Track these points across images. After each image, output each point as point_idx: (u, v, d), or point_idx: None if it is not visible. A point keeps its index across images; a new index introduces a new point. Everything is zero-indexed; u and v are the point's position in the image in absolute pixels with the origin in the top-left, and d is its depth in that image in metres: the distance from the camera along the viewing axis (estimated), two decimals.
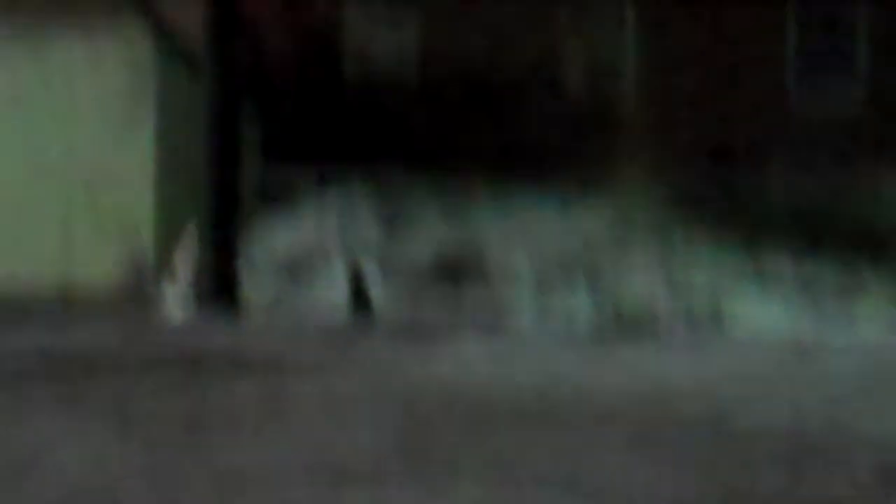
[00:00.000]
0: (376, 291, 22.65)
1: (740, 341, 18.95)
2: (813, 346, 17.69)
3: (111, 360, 13.39)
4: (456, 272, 23.80)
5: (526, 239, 24.55)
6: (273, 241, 23.91)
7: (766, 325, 21.84)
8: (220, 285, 21.27)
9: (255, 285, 22.29)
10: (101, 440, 8.45)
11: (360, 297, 22.71)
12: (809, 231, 25.29)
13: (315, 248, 24.14)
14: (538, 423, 9.28)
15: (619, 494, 7.07)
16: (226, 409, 9.69)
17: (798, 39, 26.70)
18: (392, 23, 27.56)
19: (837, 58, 26.62)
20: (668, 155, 26.51)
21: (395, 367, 13.01)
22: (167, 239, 23.40)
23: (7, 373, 12.32)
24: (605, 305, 22.89)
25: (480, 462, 7.80)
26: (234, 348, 14.94)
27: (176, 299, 22.51)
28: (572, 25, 27.39)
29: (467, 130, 26.57)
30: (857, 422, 9.44)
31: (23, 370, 12.20)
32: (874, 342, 19.33)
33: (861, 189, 25.95)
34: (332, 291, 23.03)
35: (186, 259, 23.26)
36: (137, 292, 22.89)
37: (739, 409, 9.85)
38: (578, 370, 13.41)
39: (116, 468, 7.57)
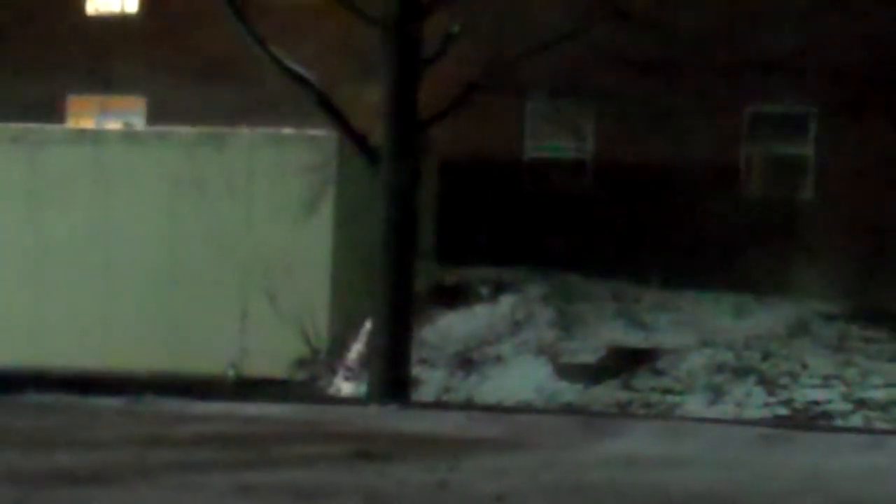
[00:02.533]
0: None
1: None
2: None
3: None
4: (629, 370, 23.87)
5: (701, 337, 24.58)
6: (447, 333, 24.24)
7: None
8: (392, 371, 21.54)
9: (428, 373, 22.64)
10: None
11: None
12: None
13: (486, 343, 24.45)
14: None
15: None
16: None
17: None
18: (570, 129, 27.82)
19: None
20: (849, 265, 26.33)
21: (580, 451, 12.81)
22: (340, 323, 23.87)
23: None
24: (781, 402, 22.76)
25: None
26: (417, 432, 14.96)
27: (347, 379, 22.93)
28: (752, 132, 27.42)
29: (644, 234, 26.62)
30: None
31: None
32: None
33: None
34: (501, 382, 23.30)
35: (359, 343, 23.70)
36: (312, 370, 23.30)
37: None
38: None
39: None
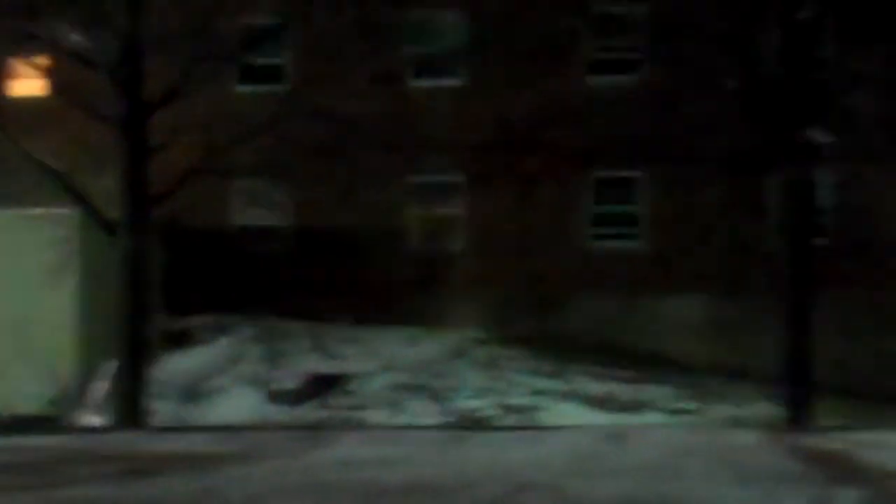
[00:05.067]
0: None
1: (554, 431, 18.31)
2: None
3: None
4: (325, 392, 24.16)
5: (381, 363, 25.02)
6: (176, 370, 24.17)
7: (569, 421, 22.16)
8: (133, 403, 21.43)
9: (162, 403, 22.54)
10: None
11: None
12: (608, 354, 25.98)
13: (208, 376, 24.45)
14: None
15: None
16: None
17: (592, 207, 27.47)
18: (270, 200, 27.97)
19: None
20: (493, 300, 27.08)
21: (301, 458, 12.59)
22: (85, 366, 23.60)
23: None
24: (448, 411, 23.34)
25: None
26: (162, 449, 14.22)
27: (95, 413, 22.64)
28: (414, 198, 27.95)
29: (333, 283, 26.90)
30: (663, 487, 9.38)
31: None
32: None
33: (643, 318, 26.71)
34: (222, 408, 23.32)
35: (102, 383, 23.41)
36: (65, 407, 22.97)
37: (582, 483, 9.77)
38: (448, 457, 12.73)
39: None
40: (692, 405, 23.78)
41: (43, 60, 23.78)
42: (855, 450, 12.32)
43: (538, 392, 23.99)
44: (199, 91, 22.71)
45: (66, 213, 23.47)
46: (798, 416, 21.32)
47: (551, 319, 26.80)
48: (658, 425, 20.98)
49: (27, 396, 23.07)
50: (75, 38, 22.17)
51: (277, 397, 23.98)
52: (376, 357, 25.32)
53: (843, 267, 25.21)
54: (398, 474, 10.36)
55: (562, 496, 8.85)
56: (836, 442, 13.43)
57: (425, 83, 27.85)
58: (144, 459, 12.39)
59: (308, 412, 23.45)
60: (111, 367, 23.23)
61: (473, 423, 22.23)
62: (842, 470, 10.66)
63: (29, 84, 26.67)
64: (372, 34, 27.46)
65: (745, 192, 26.68)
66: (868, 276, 25.92)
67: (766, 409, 23.02)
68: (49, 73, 24.08)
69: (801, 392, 21.60)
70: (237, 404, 23.60)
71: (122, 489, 9.90)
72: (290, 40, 27.23)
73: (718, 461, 11.37)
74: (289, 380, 24.39)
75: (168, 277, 25.47)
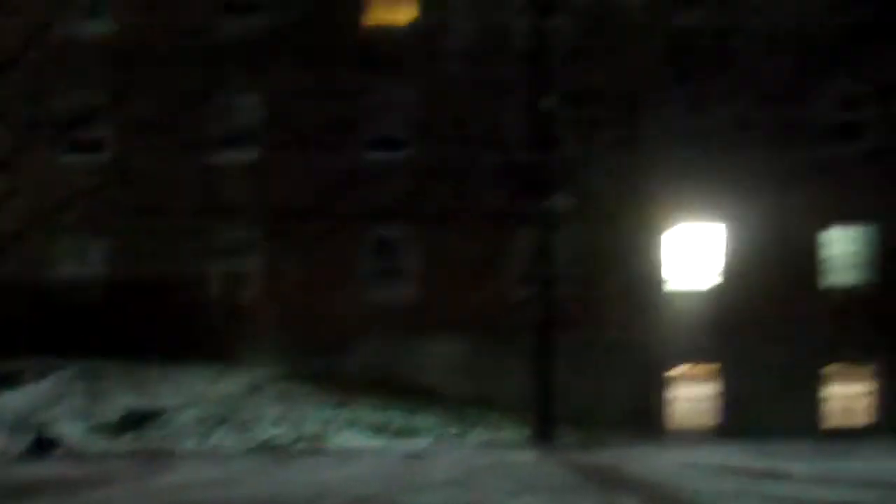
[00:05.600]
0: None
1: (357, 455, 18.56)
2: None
3: None
4: (141, 423, 23.67)
5: (190, 398, 24.64)
6: (5, 407, 23.35)
7: (353, 445, 22.31)
8: None
9: None
10: None
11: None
12: (382, 389, 26.16)
13: (37, 411, 23.68)
14: None
15: None
16: None
17: (370, 262, 27.74)
18: (86, 254, 27.38)
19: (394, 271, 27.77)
20: (286, 342, 27.04)
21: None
22: None
23: None
24: (250, 439, 23.12)
25: None
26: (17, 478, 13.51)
27: None
28: (217, 247, 27.72)
29: (147, 328, 26.47)
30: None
31: None
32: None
33: (414, 357, 27.07)
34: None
35: None
36: None
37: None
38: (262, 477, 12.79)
39: None
40: (455, 430, 24.15)
41: None
42: (619, 463, 12.81)
43: (326, 421, 23.95)
44: (28, 160, 22.29)
45: None
46: (544, 437, 21.96)
47: (336, 359, 26.89)
48: (445, 448, 21.19)
49: None
50: None
51: (99, 430, 23.35)
52: (184, 393, 24.85)
53: (571, 311, 25.81)
54: (240, 492, 10.36)
55: None
56: (601, 458, 13.93)
57: (228, 155, 27.71)
58: (9, 486, 12.00)
59: (126, 443, 22.86)
60: None
61: (279, 450, 22.09)
62: (613, 480, 11.13)
63: None
64: (182, 111, 27.29)
65: (496, 249, 27.33)
66: (591, 319, 26.66)
67: (513, 432, 23.65)
68: None
69: (546, 418, 22.24)
70: (65, 435, 22.85)
71: None
72: (112, 116, 26.76)
73: (508, 475, 11.70)
74: (108, 414, 23.79)
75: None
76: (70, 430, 23.19)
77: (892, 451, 17.95)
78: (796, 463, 12.75)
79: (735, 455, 14.48)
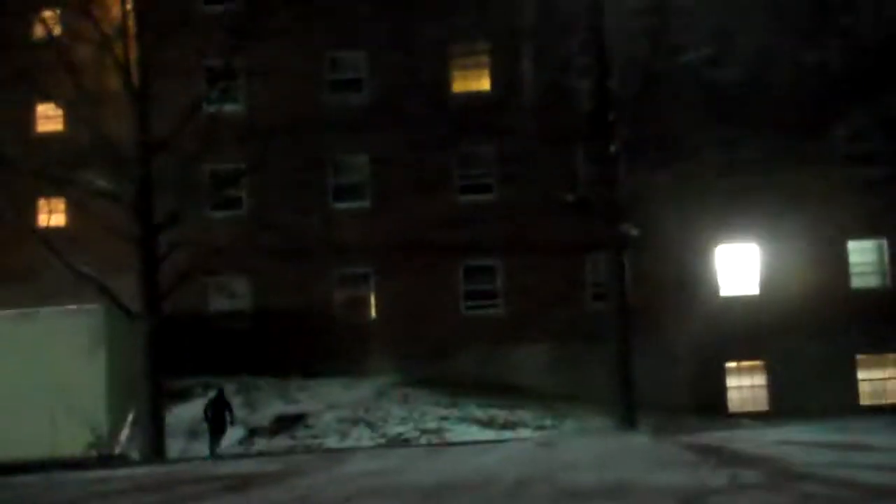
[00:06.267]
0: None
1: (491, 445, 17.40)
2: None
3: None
4: (290, 426, 23.78)
5: (328, 404, 24.74)
6: (180, 417, 23.53)
7: (468, 437, 22.20)
8: (153, 442, 20.88)
9: (171, 442, 21.91)
10: None
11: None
12: (485, 388, 26.11)
13: (202, 420, 23.80)
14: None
15: None
16: None
17: (466, 285, 27.73)
18: (235, 290, 27.68)
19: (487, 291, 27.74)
20: (400, 354, 27.07)
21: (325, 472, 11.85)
22: (113, 419, 22.84)
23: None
24: (381, 435, 23.11)
25: None
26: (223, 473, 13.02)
27: (121, 452, 21.89)
28: (339, 285, 27.91)
29: (287, 348, 26.63)
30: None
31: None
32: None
33: (507, 360, 26.98)
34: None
35: (127, 429, 22.68)
36: (99, 449, 22.05)
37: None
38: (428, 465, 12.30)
39: None
40: (549, 422, 24.01)
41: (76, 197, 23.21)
42: (723, 443, 12.57)
43: (442, 418, 23.94)
44: (187, 216, 22.56)
45: (96, 307, 22.79)
46: (628, 424, 21.71)
47: (442, 366, 26.88)
48: (563, 436, 20.87)
49: (71, 444, 22.16)
50: (101, 182, 21.84)
51: (256, 432, 23.51)
52: (322, 399, 25.04)
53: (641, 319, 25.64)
54: (412, 478, 10.15)
55: (560, 485, 8.87)
56: (704, 439, 13.67)
57: (345, 204, 27.91)
58: (225, 479, 11.79)
59: (280, 442, 23.00)
60: (132, 417, 22.62)
61: (417, 443, 21.99)
62: (726, 457, 10.93)
63: (65, 214, 26.14)
64: (304, 170, 27.57)
65: (571, 272, 27.26)
66: (658, 325, 26.43)
67: (599, 422, 23.40)
68: (81, 206, 23.47)
69: (629, 407, 22.00)
70: (227, 439, 23.00)
71: (240, 499, 9.36)
72: (248, 178, 27.05)
73: (636, 456, 11.50)
74: (262, 419, 23.94)
75: (167, 351, 24.78)
76: (234, 434, 23.34)
77: None
78: (871, 436, 12.49)
79: (816, 433, 14.19)
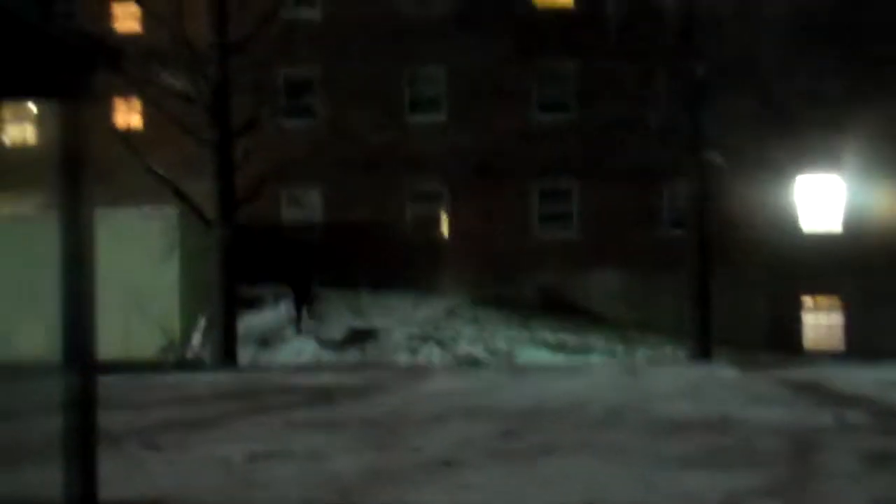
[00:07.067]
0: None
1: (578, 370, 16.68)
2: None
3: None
4: (361, 342, 23.95)
5: (398, 320, 24.84)
6: (251, 325, 23.79)
7: (534, 361, 22.14)
8: (226, 348, 21.14)
9: (241, 350, 22.16)
10: None
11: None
12: (555, 312, 26.01)
13: (273, 329, 24.15)
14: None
15: None
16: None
17: (540, 207, 27.50)
18: (305, 204, 27.72)
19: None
20: (470, 273, 26.97)
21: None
22: (185, 323, 23.18)
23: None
24: (451, 354, 23.22)
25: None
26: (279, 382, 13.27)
27: (193, 356, 22.22)
28: (412, 199, 27.81)
29: (357, 261, 26.63)
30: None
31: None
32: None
33: (579, 285, 26.79)
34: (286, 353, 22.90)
35: (199, 334, 23.03)
36: (171, 353, 22.45)
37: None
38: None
39: None
40: (620, 348, 23.95)
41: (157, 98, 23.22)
42: (818, 379, 12.42)
43: (512, 339, 23.98)
44: (261, 124, 22.52)
45: (172, 210, 22.98)
46: (703, 355, 21.56)
47: (513, 288, 26.79)
48: (643, 365, 20.67)
49: (144, 346, 22.58)
50: (180, 83, 21.80)
51: (326, 345, 23.75)
52: (392, 315, 25.09)
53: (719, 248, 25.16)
54: (503, 397, 10.16)
55: (654, 414, 8.84)
56: (797, 374, 13.52)
57: (419, 118, 27.70)
58: (310, 392, 11.82)
59: (350, 355, 23.23)
60: (204, 323, 22.95)
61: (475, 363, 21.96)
62: (824, 395, 10.79)
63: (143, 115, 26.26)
64: (380, 80, 27.34)
65: (649, 197, 26.90)
66: (736, 256, 25.93)
67: (671, 351, 23.29)
68: (160, 107, 23.49)
69: (705, 338, 21.82)
70: (297, 351, 23.32)
71: (320, 411, 9.50)
72: (321, 87, 26.83)
73: (726, 389, 11.41)
74: (333, 332, 24.15)
75: (240, 259, 24.96)
76: (304, 346, 23.61)
77: None
78: None
79: None
